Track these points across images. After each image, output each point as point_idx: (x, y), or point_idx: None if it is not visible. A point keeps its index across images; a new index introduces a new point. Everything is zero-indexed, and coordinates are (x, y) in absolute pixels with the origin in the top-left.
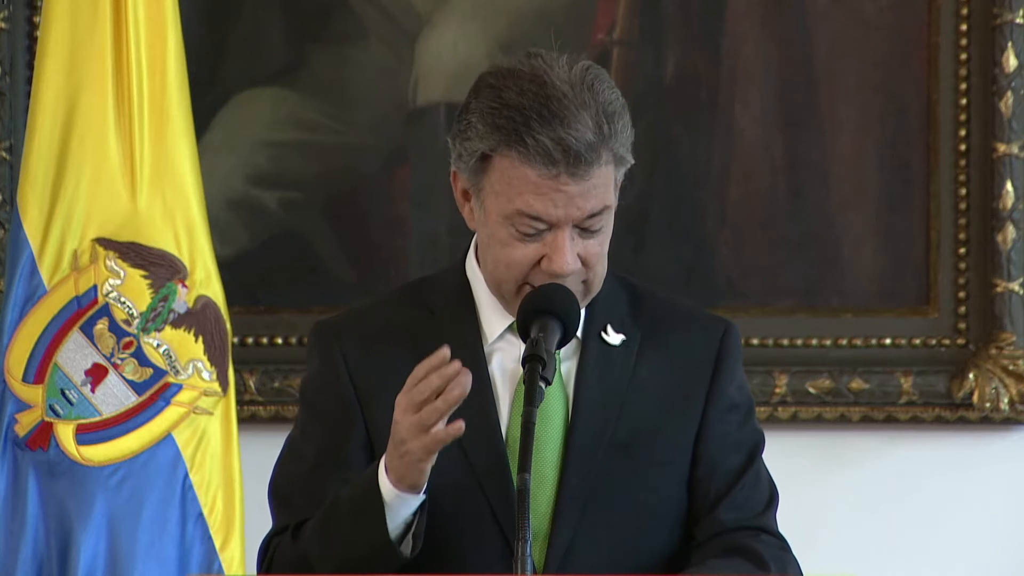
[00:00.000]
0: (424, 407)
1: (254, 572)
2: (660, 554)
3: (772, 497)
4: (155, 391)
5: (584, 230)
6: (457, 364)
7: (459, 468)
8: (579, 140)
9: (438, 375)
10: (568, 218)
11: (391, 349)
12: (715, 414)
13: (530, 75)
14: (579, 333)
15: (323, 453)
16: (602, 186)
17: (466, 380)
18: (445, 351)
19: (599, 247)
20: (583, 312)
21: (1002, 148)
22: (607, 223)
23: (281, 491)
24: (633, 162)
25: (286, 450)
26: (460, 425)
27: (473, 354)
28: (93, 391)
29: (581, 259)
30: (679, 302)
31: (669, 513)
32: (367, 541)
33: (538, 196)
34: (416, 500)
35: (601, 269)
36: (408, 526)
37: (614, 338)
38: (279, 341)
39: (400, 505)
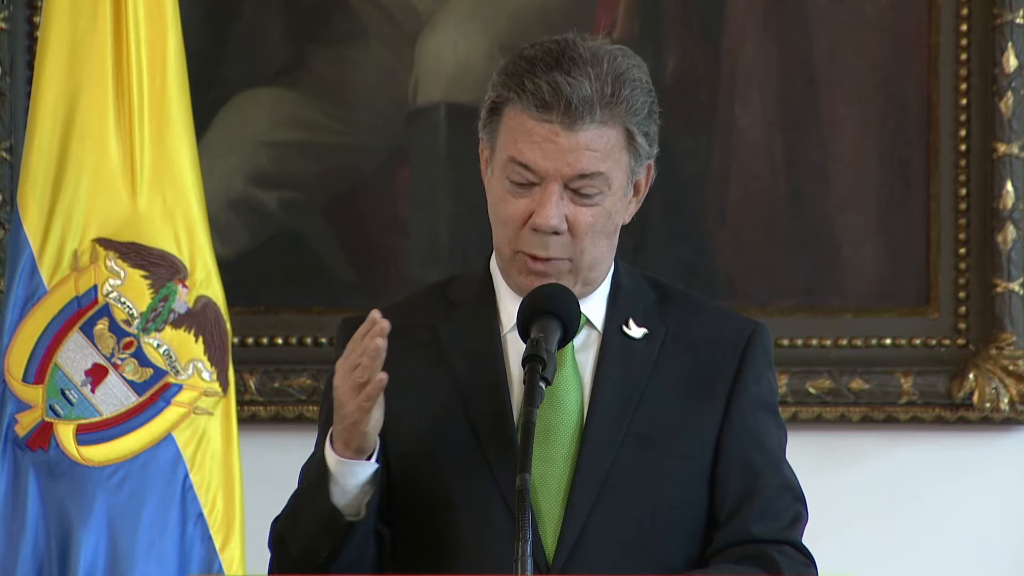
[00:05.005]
0: (357, 369)
1: (254, 572)
2: (676, 547)
3: (800, 510)
4: (155, 391)
5: (576, 193)
6: (382, 323)
7: (470, 448)
8: (574, 88)
9: (368, 335)
10: (557, 172)
11: (409, 343)
12: (738, 411)
13: (558, 40)
14: (600, 326)
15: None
16: (598, 149)
17: (382, 325)
18: (375, 314)
19: (591, 218)
20: (605, 306)
21: (1002, 148)
22: (604, 197)
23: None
24: (654, 153)
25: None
26: (383, 376)
27: (490, 340)
28: (93, 391)
29: (569, 223)
30: (711, 303)
31: (687, 507)
32: (315, 511)
33: (530, 143)
34: (366, 467)
35: (592, 247)
36: (366, 494)
37: (636, 331)
38: (279, 341)
39: (346, 473)
